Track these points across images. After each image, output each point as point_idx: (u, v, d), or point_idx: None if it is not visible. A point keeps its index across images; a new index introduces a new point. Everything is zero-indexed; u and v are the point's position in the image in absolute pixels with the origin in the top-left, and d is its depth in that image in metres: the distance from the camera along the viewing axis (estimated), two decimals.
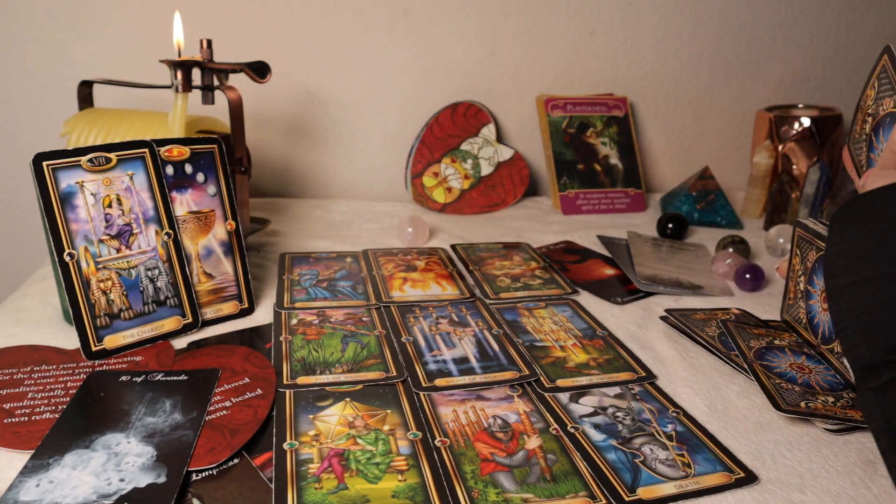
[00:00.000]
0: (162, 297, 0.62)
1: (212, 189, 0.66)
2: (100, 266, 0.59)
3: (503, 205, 1.08)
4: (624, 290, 0.78)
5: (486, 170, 1.07)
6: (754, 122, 1.13)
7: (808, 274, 0.63)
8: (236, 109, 0.73)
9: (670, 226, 0.95)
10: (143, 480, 0.44)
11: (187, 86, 0.71)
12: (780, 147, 1.04)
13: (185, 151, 0.65)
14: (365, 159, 1.12)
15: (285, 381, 0.56)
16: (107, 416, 0.50)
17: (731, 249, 0.85)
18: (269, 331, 0.65)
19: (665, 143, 1.21)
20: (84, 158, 0.58)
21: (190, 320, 0.64)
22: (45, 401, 0.52)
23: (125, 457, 0.46)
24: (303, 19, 1.03)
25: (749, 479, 0.47)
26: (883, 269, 0.41)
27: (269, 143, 1.08)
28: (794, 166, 1.03)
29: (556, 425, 0.52)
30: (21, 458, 0.46)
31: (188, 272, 0.64)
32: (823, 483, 0.47)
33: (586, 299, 0.75)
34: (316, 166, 1.11)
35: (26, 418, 0.50)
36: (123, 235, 0.60)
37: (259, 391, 0.54)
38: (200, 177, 0.65)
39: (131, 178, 0.61)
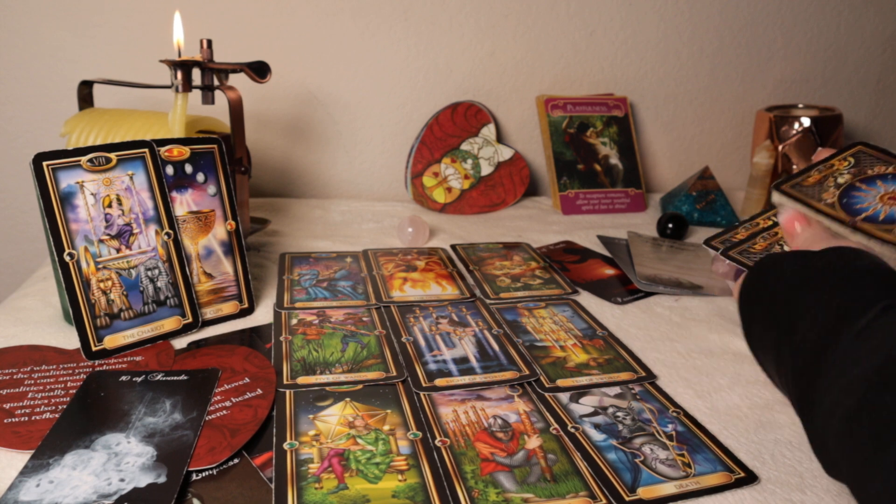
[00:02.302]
0: (162, 297, 0.62)
1: (212, 189, 0.66)
2: (100, 266, 0.59)
3: (503, 205, 1.08)
4: (624, 290, 0.78)
5: (486, 170, 1.07)
6: (754, 122, 1.13)
7: (864, 178, 0.54)
8: (236, 109, 0.73)
9: (670, 226, 0.95)
10: (143, 480, 0.44)
11: (187, 86, 0.71)
12: (780, 147, 1.05)
13: (185, 151, 0.65)
14: (365, 159, 1.12)
15: (285, 381, 0.56)
16: (107, 416, 0.50)
17: None
18: (269, 331, 0.65)
19: (665, 143, 1.21)
20: (84, 158, 0.58)
21: (190, 320, 0.64)
22: (45, 401, 0.52)
23: (125, 457, 0.46)
24: (303, 19, 1.03)
25: (749, 479, 0.47)
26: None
27: (269, 143, 1.08)
28: (794, 166, 1.03)
29: (556, 425, 0.52)
30: (21, 458, 0.46)
31: (188, 272, 0.64)
32: (823, 483, 0.47)
33: (586, 299, 0.75)
34: (316, 166, 1.11)
35: (26, 418, 0.50)
36: (123, 235, 0.60)
37: (259, 391, 0.54)
38: (200, 177, 0.65)
39: (131, 178, 0.61)
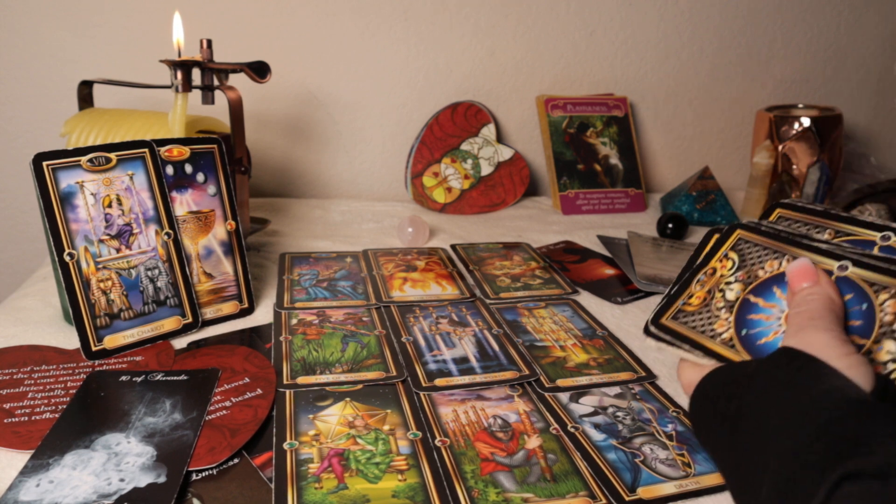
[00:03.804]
0: (162, 297, 0.62)
1: (212, 189, 0.66)
2: (100, 266, 0.59)
3: (503, 205, 1.08)
4: (624, 290, 0.78)
5: (486, 170, 1.07)
6: (754, 122, 1.13)
7: (757, 285, 0.45)
8: (236, 109, 0.73)
9: (670, 226, 0.95)
10: (143, 480, 0.44)
11: (187, 86, 0.71)
12: (780, 147, 1.04)
13: (185, 151, 0.65)
14: (365, 159, 1.12)
15: (285, 381, 0.56)
16: (107, 416, 0.50)
17: None
18: (269, 331, 0.65)
19: (665, 143, 1.21)
20: (84, 158, 0.58)
21: (190, 320, 0.64)
22: (45, 401, 0.52)
23: (125, 457, 0.46)
24: (303, 19, 1.03)
25: None
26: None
27: (269, 143, 1.08)
28: (794, 166, 1.03)
29: (556, 425, 0.52)
30: (21, 458, 0.46)
31: (188, 272, 0.64)
32: None
33: (586, 299, 0.75)
34: (316, 166, 1.11)
35: (26, 418, 0.50)
36: (123, 235, 0.60)
37: (259, 391, 0.54)
38: (200, 177, 0.65)
39: (131, 177, 0.61)
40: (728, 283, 0.46)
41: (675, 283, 0.49)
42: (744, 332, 0.43)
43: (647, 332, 0.48)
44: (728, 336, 0.44)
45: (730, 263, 0.47)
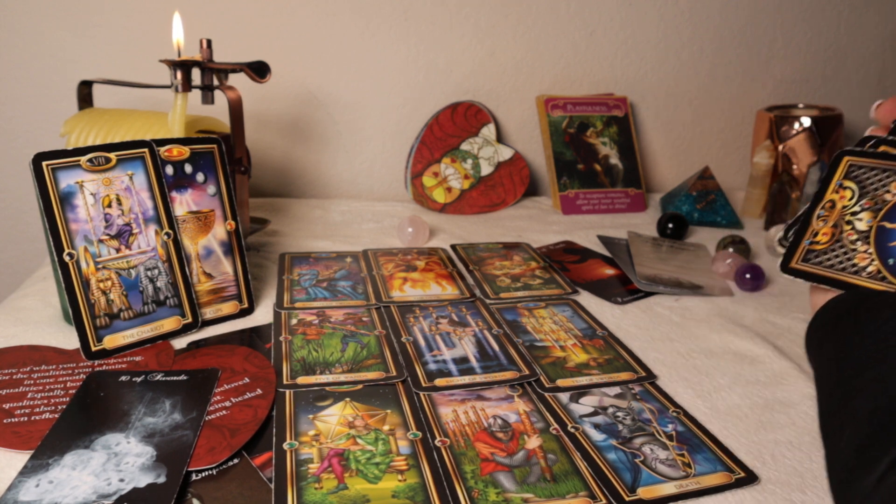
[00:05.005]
0: (161, 297, 0.62)
1: (211, 189, 0.66)
2: (99, 266, 0.59)
3: (503, 205, 1.08)
4: (624, 290, 0.78)
5: (486, 170, 1.07)
6: (754, 122, 1.13)
7: (889, 210, 0.42)
8: (236, 109, 0.73)
9: (670, 226, 0.95)
10: (143, 480, 0.44)
11: (187, 86, 0.71)
12: (780, 147, 1.04)
13: (185, 151, 0.65)
14: (365, 159, 1.12)
15: (285, 381, 0.56)
16: (107, 416, 0.50)
17: (731, 249, 0.85)
18: (269, 331, 0.65)
19: (665, 143, 1.21)
20: (84, 158, 0.58)
21: (189, 320, 0.64)
22: (45, 401, 0.52)
23: (125, 457, 0.46)
24: (303, 19, 1.03)
25: (749, 479, 0.47)
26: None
27: (269, 143, 1.08)
28: (794, 166, 1.03)
29: (556, 425, 0.52)
30: (21, 458, 0.46)
31: (188, 272, 0.64)
32: (823, 483, 0.47)
33: (586, 299, 0.75)
34: (316, 166, 1.11)
35: (26, 418, 0.50)
36: (123, 235, 0.60)
37: (259, 391, 0.54)
38: (200, 177, 0.65)
39: (131, 177, 0.61)
40: (854, 214, 0.44)
41: (793, 221, 0.47)
42: (891, 261, 0.41)
43: (784, 269, 0.46)
44: (874, 269, 0.41)
45: (848, 193, 0.44)
